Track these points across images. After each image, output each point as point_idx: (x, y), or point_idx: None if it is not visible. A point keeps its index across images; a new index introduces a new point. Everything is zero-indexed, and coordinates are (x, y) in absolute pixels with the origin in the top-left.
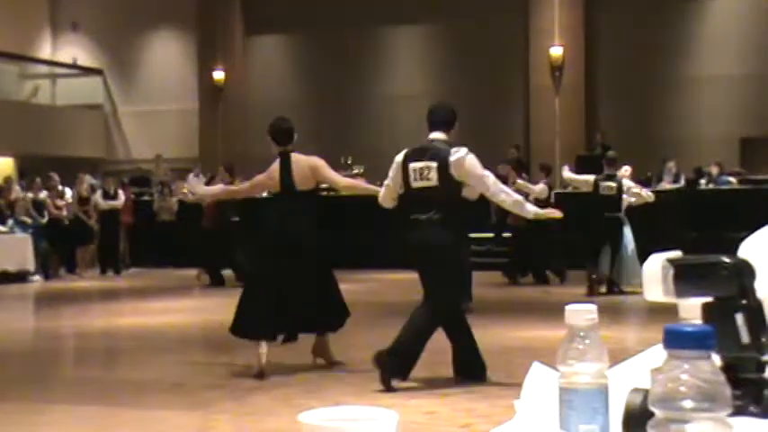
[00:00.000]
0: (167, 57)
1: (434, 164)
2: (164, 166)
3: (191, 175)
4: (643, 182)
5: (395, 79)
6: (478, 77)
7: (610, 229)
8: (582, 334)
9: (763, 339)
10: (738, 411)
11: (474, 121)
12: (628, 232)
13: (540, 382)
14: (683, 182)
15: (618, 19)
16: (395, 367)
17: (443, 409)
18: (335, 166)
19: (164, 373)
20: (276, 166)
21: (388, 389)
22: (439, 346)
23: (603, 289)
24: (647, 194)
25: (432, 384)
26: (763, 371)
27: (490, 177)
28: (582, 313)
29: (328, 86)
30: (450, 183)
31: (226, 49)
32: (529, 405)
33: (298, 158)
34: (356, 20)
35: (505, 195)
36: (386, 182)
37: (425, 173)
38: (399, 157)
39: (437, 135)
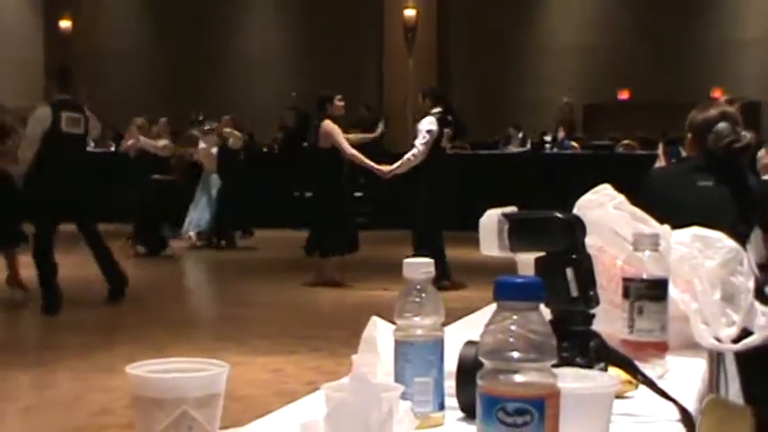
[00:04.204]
0: (9, 1)
1: None
2: (10, 117)
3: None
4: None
5: (249, 38)
6: (332, 37)
7: None
8: (419, 287)
9: (591, 293)
10: (565, 362)
11: (327, 81)
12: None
13: (378, 335)
14: (529, 146)
15: None
16: None
17: (289, 366)
18: (186, 122)
19: (1, 332)
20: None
21: None
22: (296, 302)
23: None
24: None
25: (279, 342)
26: (590, 323)
27: None
28: (419, 267)
29: (182, 42)
30: None
31: None
32: (365, 359)
33: None
34: None
35: None
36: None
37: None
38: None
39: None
